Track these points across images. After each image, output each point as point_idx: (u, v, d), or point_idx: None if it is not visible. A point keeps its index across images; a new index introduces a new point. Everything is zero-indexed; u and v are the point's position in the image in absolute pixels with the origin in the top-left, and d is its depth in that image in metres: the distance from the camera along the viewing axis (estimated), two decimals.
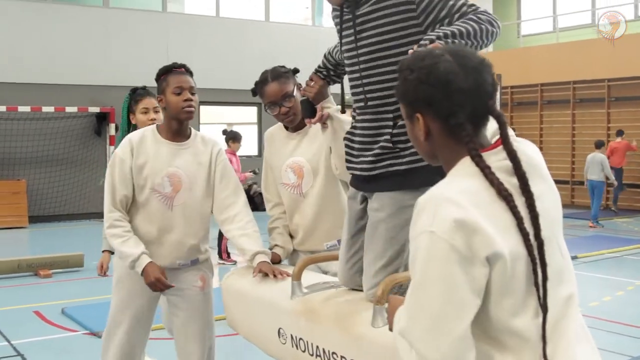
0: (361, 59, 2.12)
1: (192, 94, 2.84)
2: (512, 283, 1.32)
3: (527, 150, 1.45)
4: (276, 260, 2.86)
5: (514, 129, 1.57)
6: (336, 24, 2.25)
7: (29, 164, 12.45)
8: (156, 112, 3.53)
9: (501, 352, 1.34)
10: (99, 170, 11.96)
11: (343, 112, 2.51)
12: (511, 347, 1.34)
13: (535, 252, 1.33)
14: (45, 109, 12.21)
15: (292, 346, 2.28)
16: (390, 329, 1.50)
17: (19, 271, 7.61)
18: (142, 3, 14.35)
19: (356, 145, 2.20)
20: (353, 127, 2.25)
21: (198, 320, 2.91)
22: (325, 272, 2.78)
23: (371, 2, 2.07)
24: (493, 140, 1.45)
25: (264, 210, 3.07)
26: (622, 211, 13.23)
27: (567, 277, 1.42)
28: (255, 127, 14.80)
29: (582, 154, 13.22)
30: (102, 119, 12.79)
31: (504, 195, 1.33)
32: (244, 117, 15.22)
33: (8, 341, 5.18)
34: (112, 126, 12.47)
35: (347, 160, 2.26)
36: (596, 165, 11.55)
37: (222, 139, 8.35)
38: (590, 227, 11.58)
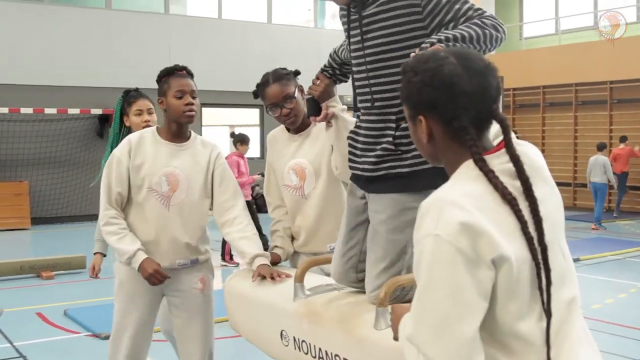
0: (368, 59, 2.12)
1: (194, 97, 2.84)
2: (517, 287, 1.31)
3: (529, 152, 1.44)
4: (276, 261, 2.86)
5: (515, 132, 1.56)
6: (343, 24, 2.25)
7: (31, 166, 12.46)
8: (150, 113, 3.52)
9: (507, 355, 1.33)
10: (101, 172, 11.94)
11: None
12: (516, 351, 1.33)
13: (539, 257, 1.32)
14: (47, 110, 12.23)
15: (295, 348, 2.28)
16: (395, 338, 1.48)
17: (22, 273, 7.62)
18: (144, 5, 14.37)
19: (359, 145, 2.20)
20: (357, 127, 2.25)
21: (199, 322, 2.91)
22: (328, 274, 2.77)
23: (377, 3, 2.07)
24: (495, 143, 1.44)
25: (267, 212, 3.07)
26: (624, 213, 13.19)
27: (570, 280, 1.42)
28: (258, 129, 14.76)
29: (585, 157, 13.22)
30: (105, 120, 12.76)
31: (509, 199, 1.32)
32: (246, 119, 15.21)
33: (10, 343, 5.18)
34: None
35: (350, 160, 2.26)
36: (599, 168, 11.55)
37: (225, 141, 8.33)
38: (593, 229, 11.57)
